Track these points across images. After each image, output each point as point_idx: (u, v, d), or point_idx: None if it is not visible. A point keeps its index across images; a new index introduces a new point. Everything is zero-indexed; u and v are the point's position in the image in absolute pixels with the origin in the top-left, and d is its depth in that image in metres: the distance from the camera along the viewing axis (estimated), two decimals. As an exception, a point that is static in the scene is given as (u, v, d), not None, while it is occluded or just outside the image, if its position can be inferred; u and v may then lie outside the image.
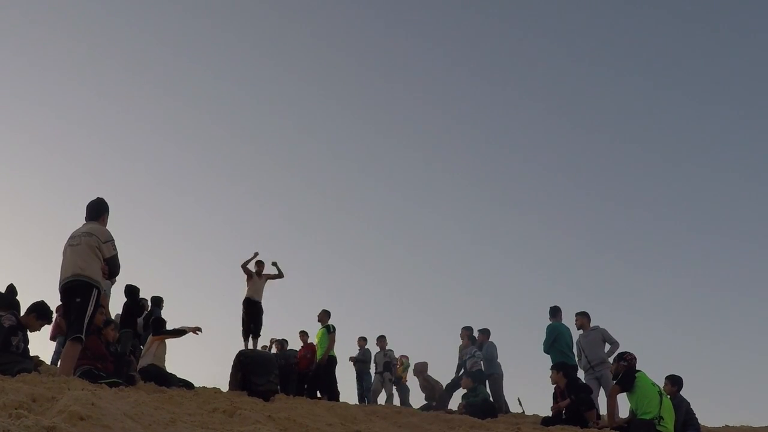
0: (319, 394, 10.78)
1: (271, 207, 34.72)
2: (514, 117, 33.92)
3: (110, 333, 7.03)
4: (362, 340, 12.55)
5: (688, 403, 7.75)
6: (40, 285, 10.41)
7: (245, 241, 32.67)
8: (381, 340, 12.28)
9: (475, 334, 11.49)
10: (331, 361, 10.81)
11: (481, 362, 10.83)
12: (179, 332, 8.00)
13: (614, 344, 8.68)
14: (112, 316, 8.81)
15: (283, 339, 12.52)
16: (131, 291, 9.65)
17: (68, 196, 31.69)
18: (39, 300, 6.15)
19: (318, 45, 34.86)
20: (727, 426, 9.93)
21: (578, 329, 9.00)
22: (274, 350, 12.25)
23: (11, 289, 7.83)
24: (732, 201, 30.14)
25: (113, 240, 5.70)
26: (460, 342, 11.49)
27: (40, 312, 6.08)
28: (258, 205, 34.43)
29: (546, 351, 9.09)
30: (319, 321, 11.17)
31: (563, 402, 7.57)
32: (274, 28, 34.51)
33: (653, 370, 7.09)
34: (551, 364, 8.61)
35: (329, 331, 10.82)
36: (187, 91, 33.71)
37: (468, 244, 30.98)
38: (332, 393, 10.47)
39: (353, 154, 35.19)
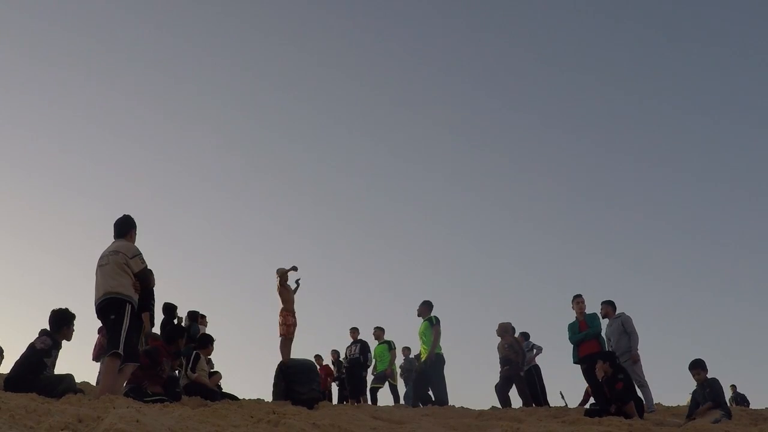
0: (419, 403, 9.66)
1: (274, 212, 34.95)
2: (503, 114, 33.77)
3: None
4: (406, 350, 13.11)
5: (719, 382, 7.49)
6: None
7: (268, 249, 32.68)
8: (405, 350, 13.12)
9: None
10: (440, 360, 9.41)
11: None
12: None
13: (632, 334, 8.52)
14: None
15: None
16: (168, 309, 9.75)
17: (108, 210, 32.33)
18: (53, 311, 6.12)
19: (314, 50, 35.13)
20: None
21: (603, 318, 8.80)
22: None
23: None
24: (729, 204, 29.54)
25: (141, 254, 5.72)
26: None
27: (60, 320, 6.05)
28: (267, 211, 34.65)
29: (594, 335, 8.67)
30: (419, 315, 9.85)
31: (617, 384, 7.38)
32: (271, 33, 34.89)
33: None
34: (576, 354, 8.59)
35: (432, 324, 9.46)
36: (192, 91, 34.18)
37: (469, 243, 30.85)
38: (442, 396, 9.18)
39: (342, 156, 35.47)
